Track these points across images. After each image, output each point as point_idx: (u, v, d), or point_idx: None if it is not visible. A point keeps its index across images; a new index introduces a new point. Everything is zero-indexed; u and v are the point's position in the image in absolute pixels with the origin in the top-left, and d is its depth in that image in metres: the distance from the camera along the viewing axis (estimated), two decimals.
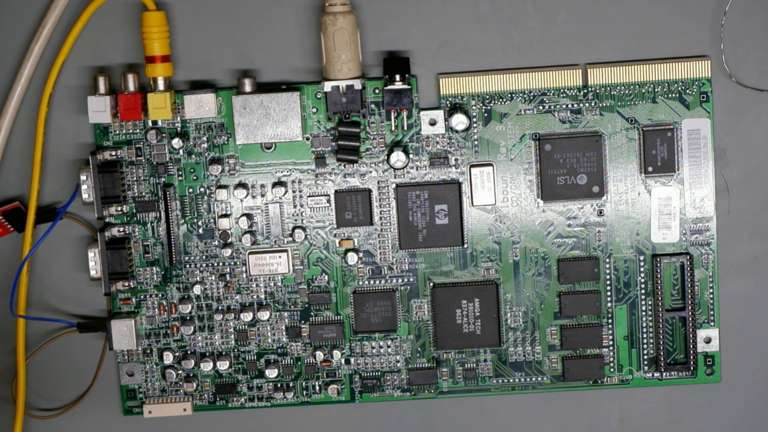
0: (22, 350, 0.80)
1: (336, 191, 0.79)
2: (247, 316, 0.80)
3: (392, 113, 0.78)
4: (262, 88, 0.78)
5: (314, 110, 0.78)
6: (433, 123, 0.78)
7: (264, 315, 0.80)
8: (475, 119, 0.78)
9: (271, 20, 0.78)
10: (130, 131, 0.79)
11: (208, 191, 0.79)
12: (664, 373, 0.80)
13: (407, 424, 0.83)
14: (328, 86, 0.76)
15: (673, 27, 0.78)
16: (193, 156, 0.79)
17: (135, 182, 0.79)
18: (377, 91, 0.78)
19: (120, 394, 0.82)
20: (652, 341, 0.80)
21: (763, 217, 0.80)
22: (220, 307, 0.80)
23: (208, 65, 0.79)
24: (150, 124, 0.78)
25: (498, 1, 0.78)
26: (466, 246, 0.80)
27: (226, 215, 0.79)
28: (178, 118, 0.78)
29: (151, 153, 0.79)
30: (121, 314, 0.81)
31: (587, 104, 0.78)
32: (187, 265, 0.80)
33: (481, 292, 0.80)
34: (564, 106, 0.78)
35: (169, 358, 0.81)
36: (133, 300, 0.81)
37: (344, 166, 0.79)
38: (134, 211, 0.79)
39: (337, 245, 0.80)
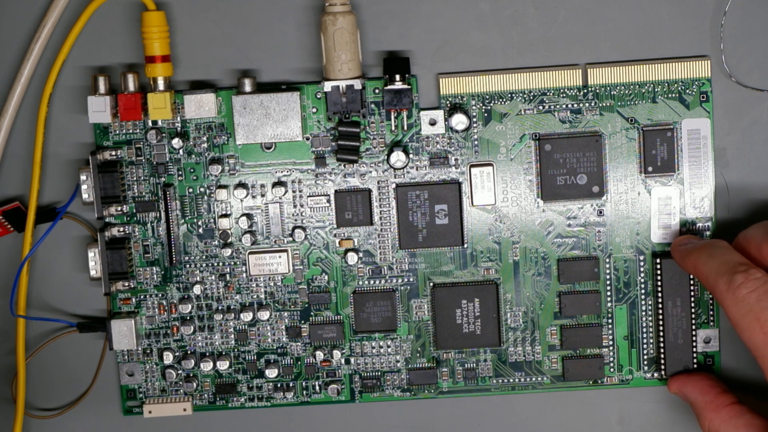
0: (22, 350, 0.80)
1: (336, 191, 0.79)
2: (247, 316, 0.80)
3: (392, 113, 0.78)
4: (262, 88, 0.78)
5: (314, 110, 0.78)
6: (433, 123, 0.78)
7: (264, 315, 0.80)
8: (475, 119, 0.78)
9: (271, 20, 0.78)
10: (130, 131, 0.79)
11: (208, 191, 0.79)
12: (664, 373, 0.80)
13: (407, 424, 0.83)
14: (328, 86, 0.76)
15: (673, 27, 0.78)
16: (193, 156, 0.79)
17: (135, 182, 0.79)
18: (377, 91, 0.78)
19: (120, 394, 0.82)
20: (652, 341, 0.80)
21: (763, 217, 0.80)
22: (220, 307, 0.80)
23: (208, 65, 0.79)
24: (150, 124, 0.78)
25: (498, 1, 0.78)
26: (466, 246, 0.80)
27: (226, 215, 0.79)
28: (178, 118, 0.78)
29: (151, 153, 0.79)
30: (121, 314, 0.81)
31: (587, 104, 0.78)
32: (187, 265, 0.80)
33: (481, 292, 0.80)
34: (564, 106, 0.78)
35: (169, 358, 0.81)
36: (133, 300, 0.81)
37: (344, 166, 0.79)
38: (134, 211, 0.79)
39: (337, 245, 0.80)
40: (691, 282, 0.78)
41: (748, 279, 0.69)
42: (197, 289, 0.80)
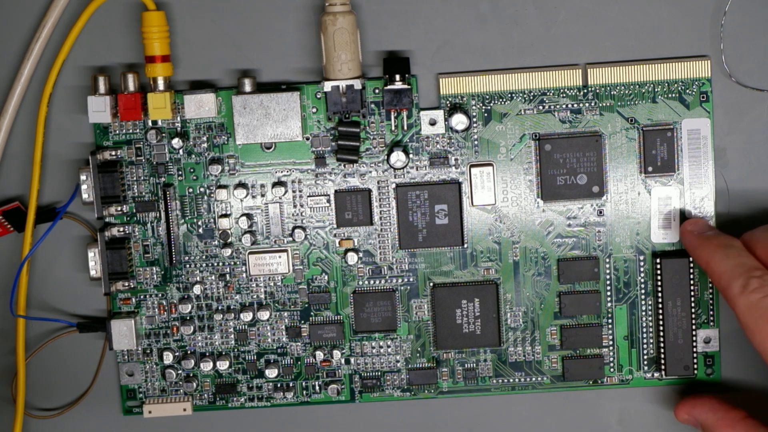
0: (22, 350, 0.80)
1: (336, 191, 0.79)
2: (247, 316, 0.80)
3: (392, 113, 0.78)
4: (262, 88, 0.78)
5: (314, 110, 0.78)
6: (433, 123, 0.78)
7: (264, 315, 0.80)
8: (475, 119, 0.78)
9: (271, 20, 0.78)
10: (130, 131, 0.79)
11: (208, 191, 0.79)
12: (664, 373, 0.80)
13: (407, 424, 0.83)
14: (328, 86, 0.76)
15: (673, 27, 0.78)
16: (193, 156, 0.79)
17: (135, 182, 0.79)
18: (377, 91, 0.78)
19: (120, 394, 0.82)
20: (652, 341, 0.80)
21: (763, 217, 0.80)
22: (220, 307, 0.80)
23: (208, 65, 0.79)
24: (150, 124, 0.78)
25: (498, 1, 0.78)
26: (466, 246, 0.80)
27: (226, 215, 0.79)
28: (178, 118, 0.78)
29: (151, 153, 0.79)
30: (121, 314, 0.81)
31: (587, 104, 0.78)
32: (187, 265, 0.80)
33: (481, 292, 0.80)
34: (564, 106, 0.78)
35: (169, 358, 0.81)
36: (133, 300, 0.81)
37: (344, 166, 0.79)
38: (134, 211, 0.79)
39: (337, 245, 0.80)
40: (691, 282, 0.78)
41: (764, 284, 0.69)
42: (197, 289, 0.80)
